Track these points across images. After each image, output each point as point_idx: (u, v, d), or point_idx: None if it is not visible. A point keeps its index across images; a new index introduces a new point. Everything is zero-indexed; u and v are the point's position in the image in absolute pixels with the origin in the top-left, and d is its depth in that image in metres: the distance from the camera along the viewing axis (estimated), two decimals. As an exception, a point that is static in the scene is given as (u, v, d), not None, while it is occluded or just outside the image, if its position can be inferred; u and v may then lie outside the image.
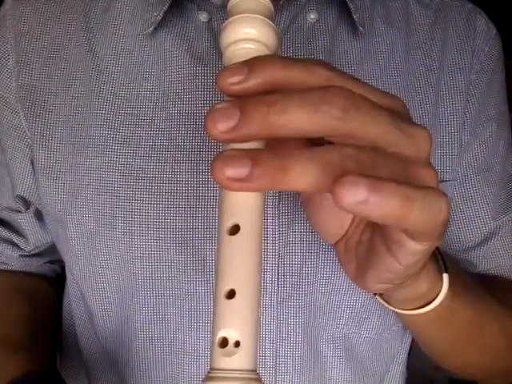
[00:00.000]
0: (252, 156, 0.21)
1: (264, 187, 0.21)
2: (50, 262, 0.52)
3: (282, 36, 0.41)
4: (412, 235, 0.22)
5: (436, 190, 0.21)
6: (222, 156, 0.21)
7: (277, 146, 0.22)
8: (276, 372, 0.41)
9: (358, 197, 0.19)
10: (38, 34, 0.43)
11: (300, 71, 0.22)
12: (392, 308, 0.35)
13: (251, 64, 0.22)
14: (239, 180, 0.20)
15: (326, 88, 0.21)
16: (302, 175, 0.21)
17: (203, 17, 0.40)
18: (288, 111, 0.21)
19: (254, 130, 0.21)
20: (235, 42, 0.25)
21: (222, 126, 0.21)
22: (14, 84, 0.43)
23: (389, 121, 0.22)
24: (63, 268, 0.49)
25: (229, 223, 0.23)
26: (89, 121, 0.41)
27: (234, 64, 0.22)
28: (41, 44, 0.43)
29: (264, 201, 0.24)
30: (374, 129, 0.21)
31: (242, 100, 0.21)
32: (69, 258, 0.44)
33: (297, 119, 0.21)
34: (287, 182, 0.21)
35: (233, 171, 0.20)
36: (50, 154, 0.42)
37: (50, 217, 0.44)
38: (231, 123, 0.21)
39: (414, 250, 0.23)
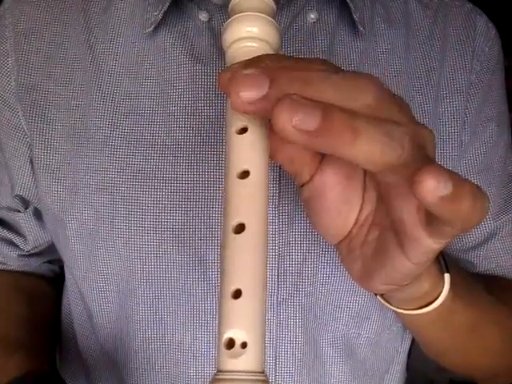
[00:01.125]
0: (323, 108, 0.19)
1: (328, 146, 0.19)
2: (49, 261, 0.52)
3: (283, 37, 0.41)
4: (428, 232, 0.22)
5: (481, 190, 0.20)
6: (288, 98, 0.19)
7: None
8: (276, 372, 0.41)
9: (443, 191, 0.19)
10: (37, 33, 0.43)
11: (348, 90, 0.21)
12: (393, 308, 0.34)
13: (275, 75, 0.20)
14: (308, 133, 0.19)
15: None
16: (371, 141, 0.19)
17: (203, 16, 0.40)
18: (322, 89, 0.20)
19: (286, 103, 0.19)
20: (238, 40, 0.25)
21: (247, 95, 0.20)
22: (13, 83, 0.43)
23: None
24: (62, 268, 0.49)
25: (234, 222, 0.23)
26: (88, 120, 0.41)
27: (236, 63, 0.22)
28: (40, 43, 0.43)
29: (268, 199, 0.24)
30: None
31: (271, 69, 0.20)
32: (68, 257, 0.44)
33: (324, 95, 0.20)
34: (355, 148, 0.19)
35: (302, 120, 0.19)
36: (50, 153, 0.42)
37: (49, 216, 0.44)
38: (260, 92, 0.20)
39: (429, 248, 0.23)
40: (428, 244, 0.23)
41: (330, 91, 0.20)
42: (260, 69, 0.20)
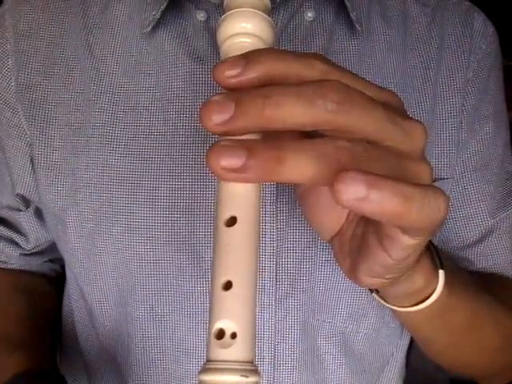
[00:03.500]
0: (247, 146, 0.21)
1: (259, 178, 0.21)
2: (51, 260, 0.52)
3: (279, 34, 0.41)
4: (406, 231, 0.22)
5: (435, 189, 0.21)
6: (217, 146, 0.21)
7: (271, 138, 0.22)
8: (275, 369, 0.41)
9: (357, 193, 0.19)
10: (37, 34, 0.43)
11: (297, 64, 0.22)
12: (388, 305, 0.35)
13: (248, 57, 0.22)
14: (234, 170, 0.20)
15: (321, 81, 0.21)
16: (297, 166, 0.21)
17: (201, 16, 0.41)
18: (283, 104, 0.21)
19: (248, 122, 0.21)
20: (232, 36, 0.25)
21: (217, 118, 0.21)
22: (13, 83, 0.43)
23: (383, 115, 0.22)
24: (63, 267, 0.49)
25: (226, 215, 0.23)
26: (87, 120, 0.41)
27: (230, 57, 0.22)
28: (40, 43, 0.43)
29: (260, 192, 0.24)
30: (368, 123, 0.21)
31: (237, 93, 0.21)
32: (68, 256, 0.44)
33: (292, 112, 0.21)
34: (282, 174, 0.21)
35: (227, 161, 0.20)
36: (50, 152, 0.42)
37: (49, 215, 0.44)
38: (226, 115, 0.21)
39: (405, 244, 0.23)
40: (404, 240, 0.23)
41: (290, 100, 0.21)
42: (225, 94, 0.22)
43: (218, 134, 0.22)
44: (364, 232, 0.27)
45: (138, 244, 0.40)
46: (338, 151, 0.21)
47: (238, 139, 0.21)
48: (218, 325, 0.22)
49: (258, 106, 0.21)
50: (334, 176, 0.20)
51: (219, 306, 0.22)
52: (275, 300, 0.40)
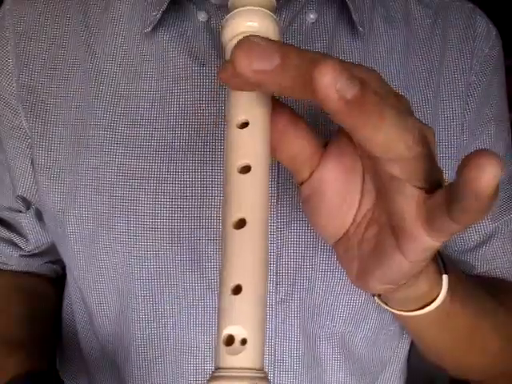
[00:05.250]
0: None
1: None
2: (51, 261, 0.52)
3: (282, 33, 0.41)
4: (427, 229, 0.22)
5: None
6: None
7: None
8: (274, 370, 0.41)
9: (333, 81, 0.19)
10: (37, 35, 0.43)
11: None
12: (390, 309, 0.34)
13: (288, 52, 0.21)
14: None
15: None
16: (391, 121, 0.20)
17: (202, 16, 0.40)
18: (326, 73, 0.19)
19: (287, 81, 0.20)
20: (238, 34, 0.25)
21: (257, 65, 0.20)
22: (14, 84, 0.43)
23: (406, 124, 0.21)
24: (64, 267, 0.49)
25: (234, 217, 0.22)
26: (88, 120, 0.41)
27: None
28: (40, 44, 0.43)
29: (269, 194, 0.24)
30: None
31: (283, 46, 0.21)
32: (68, 257, 0.44)
33: (330, 83, 0.19)
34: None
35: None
36: (50, 153, 0.42)
37: (48, 216, 0.44)
38: (267, 65, 0.20)
39: (427, 245, 0.23)
40: (426, 241, 0.23)
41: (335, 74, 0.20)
42: (270, 42, 0.21)
43: (237, 85, 0.22)
44: (378, 234, 0.26)
45: (138, 246, 0.40)
46: (414, 129, 0.21)
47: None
48: (227, 331, 0.21)
49: (302, 67, 0.20)
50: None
51: (228, 311, 0.21)
52: (275, 302, 0.40)
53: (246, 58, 0.20)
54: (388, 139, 0.20)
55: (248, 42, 0.21)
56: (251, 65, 0.20)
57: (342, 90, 0.19)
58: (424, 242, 0.23)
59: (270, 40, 0.21)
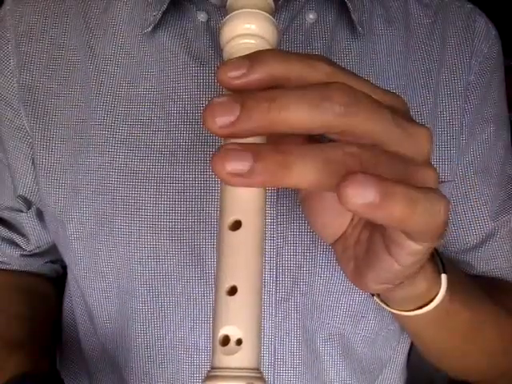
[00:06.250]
0: (253, 150, 0.20)
1: (265, 183, 0.20)
2: (51, 261, 0.52)
3: (281, 35, 0.41)
4: (411, 236, 0.22)
5: (436, 192, 0.21)
6: (222, 149, 0.20)
7: (277, 142, 0.22)
8: (274, 371, 0.41)
9: (365, 198, 0.19)
10: (38, 35, 0.43)
11: (301, 66, 0.22)
12: (389, 309, 0.34)
13: (252, 58, 0.22)
14: (240, 175, 0.20)
15: (326, 84, 0.21)
16: (305, 172, 0.20)
17: (202, 17, 0.41)
18: (288, 107, 0.20)
19: (253, 125, 0.20)
20: (236, 37, 0.25)
21: (221, 121, 0.20)
22: (15, 85, 0.43)
23: (390, 118, 0.22)
24: (64, 267, 0.49)
25: (230, 219, 0.23)
26: (88, 120, 0.41)
27: (234, 58, 0.22)
28: (41, 44, 0.43)
29: (265, 196, 0.24)
30: (374, 126, 0.21)
31: (242, 94, 0.21)
32: (69, 257, 0.44)
33: (297, 115, 0.20)
34: (289, 179, 0.20)
35: (233, 166, 0.20)
36: (51, 153, 0.42)
37: (49, 216, 0.44)
38: (231, 118, 0.20)
39: (412, 250, 0.23)
40: (410, 246, 0.23)
41: (295, 103, 0.20)
42: (230, 96, 0.21)
43: (221, 137, 0.22)
44: (370, 237, 0.27)
45: (139, 246, 0.40)
46: (346, 157, 0.20)
47: (243, 143, 0.21)
48: (222, 331, 0.21)
49: (263, 108, 0.20)
50: (341, 179, 0.19)
51: (224, 311, 0.22)
52: (275, 301, 0.40)
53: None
54: (309, 180, 0.21)
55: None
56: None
57: (233, 171, 0.20)
58: (408, 246, 0.23)
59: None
